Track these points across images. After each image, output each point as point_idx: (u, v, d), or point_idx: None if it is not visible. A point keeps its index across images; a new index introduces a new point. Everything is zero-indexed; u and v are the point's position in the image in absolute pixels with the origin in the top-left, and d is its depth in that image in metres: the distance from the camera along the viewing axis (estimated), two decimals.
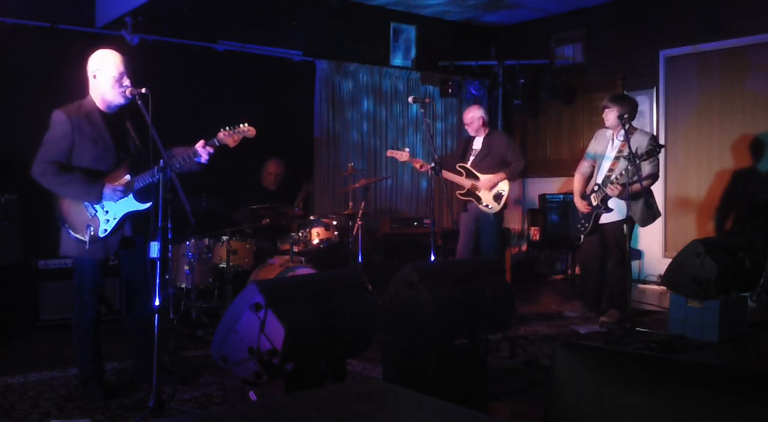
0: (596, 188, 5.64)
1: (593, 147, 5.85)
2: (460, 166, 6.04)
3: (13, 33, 5.87)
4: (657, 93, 7.74)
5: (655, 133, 7.64)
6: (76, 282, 3.80)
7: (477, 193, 5.95)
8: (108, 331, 4.17)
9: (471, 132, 6.15)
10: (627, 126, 5.38)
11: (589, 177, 5.83)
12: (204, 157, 3.75)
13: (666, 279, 5.42)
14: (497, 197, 5.91)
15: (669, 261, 5.46)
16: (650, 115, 7.76)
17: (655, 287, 7.44)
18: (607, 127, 5.70)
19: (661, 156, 7.64)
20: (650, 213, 5.42)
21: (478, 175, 5.95)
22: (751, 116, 7.07)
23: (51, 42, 6.00)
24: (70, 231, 3.68)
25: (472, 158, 6.07)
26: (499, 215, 6.01)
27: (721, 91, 7.29)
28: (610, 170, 5.57)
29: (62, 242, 3.76)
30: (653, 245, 7.74)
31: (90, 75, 3.72)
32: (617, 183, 5.38)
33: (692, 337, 5.04)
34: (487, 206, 5.92)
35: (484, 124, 6.08)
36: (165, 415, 3.26)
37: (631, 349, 3.69)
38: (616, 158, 5.57)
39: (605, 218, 5.65)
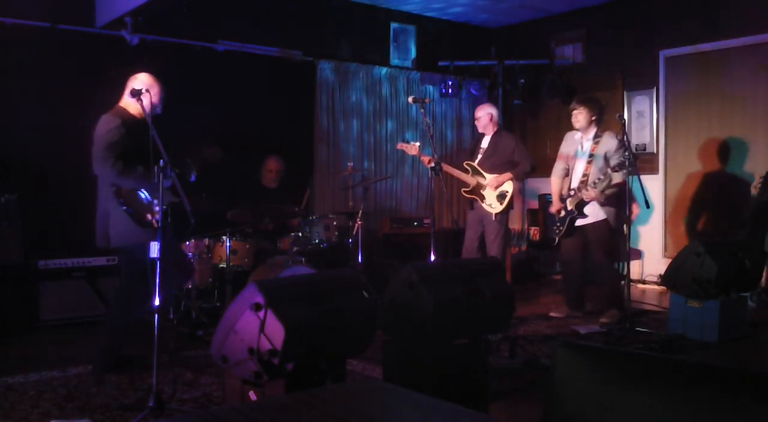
0: (572, 193, 5.69)
1: (563, 149, 5.94)
2: (467, 164, 6.04)
3: (13, 33, 5.87)
4: (657, 93, 7.73)
5: (654, 133, 7.66)
6: (135, 269, 3.93)
7: (481, 191, 5.94)
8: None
9: (479, 128, 6.16)
10: (596, 128, 5.62)
11: (565, 177, 5.92)
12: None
13: (666, 279, 5.42)
14: (501, 197, 5.90)
15: (669, 261, 5.47)
16: (650, 115, 7.76)
17: (655, 287, 7.44)
18: (577, 129, 5.76)
19: (661, 156, 7.68)
20: (623, 214, 5.48)
21: (484, 173, 5.95)
22: (751, 116, 7.07)
23: (51, 42, 5.99)
24: (133, 217, 3.92)
25: (479, 156, 6.08)
26: (503, 216, 5.98)
27: (721, 91, 7.28)
28: (585, 175, 5.64)
29: (120, 232, 3.97)
30: (653, 245, 7.74)
31: (141, 89, 3.92)
32: (594, 188, 5.50)
33: (692, 337, 5.04)
34: (490, 205, 5.91)
35: (492, 122, 6.06)
36: (165, 415, 3.26)
37: (631, 349, 3.69)
38: (589, 162, 5.65)
39: (585, 220, 5.72)
